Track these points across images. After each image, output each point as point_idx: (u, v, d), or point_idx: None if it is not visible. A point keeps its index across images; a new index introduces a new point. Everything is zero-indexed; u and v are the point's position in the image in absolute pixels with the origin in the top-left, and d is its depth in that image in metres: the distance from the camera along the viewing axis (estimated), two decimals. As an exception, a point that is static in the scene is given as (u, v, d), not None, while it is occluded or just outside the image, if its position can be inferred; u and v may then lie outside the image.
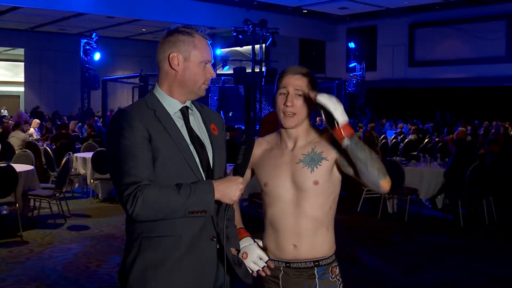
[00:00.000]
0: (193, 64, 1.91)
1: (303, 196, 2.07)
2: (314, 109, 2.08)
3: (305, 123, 2.13)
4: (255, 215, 6.56)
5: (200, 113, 2.02)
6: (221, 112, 19.45)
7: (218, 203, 1.88)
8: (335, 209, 2.14)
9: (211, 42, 1.98)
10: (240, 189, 1.88)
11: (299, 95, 2.07)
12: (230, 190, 1.85)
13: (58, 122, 15.95)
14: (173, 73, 1.92)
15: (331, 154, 2.07)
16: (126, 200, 1.75)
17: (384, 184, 1.95)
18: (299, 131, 2.12)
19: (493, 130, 14.78)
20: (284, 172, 2.10)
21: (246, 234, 2.14)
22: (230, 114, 21.66)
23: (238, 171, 1.93)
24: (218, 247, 1.91)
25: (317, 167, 2.05)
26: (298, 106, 2.07)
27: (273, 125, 2.35)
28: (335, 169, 2.09)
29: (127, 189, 1.76)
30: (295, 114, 2.07)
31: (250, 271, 2.07)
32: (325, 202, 2.08)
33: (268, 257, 2.11)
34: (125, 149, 1.79)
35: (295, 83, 2.07)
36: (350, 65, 20.97)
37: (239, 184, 1.87)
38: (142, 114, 1.85)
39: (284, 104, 2.07)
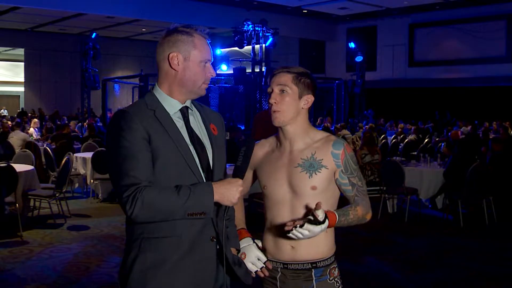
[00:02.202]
0: (193, 64, 1.90)
1: (300, 199, 2.06)
2: (310, 107, 2.10)
3: (299, 122, 2.10)
4: (255, 214, 6.55)
5: (200, 113, 2.01)
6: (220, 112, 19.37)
7: (218, 204, 1.87)
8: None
9: (210, 41, 1.97)
10: (240, 191, 1.87)
11: (283, 91, 2.07)
12: (229, 192, 1.85)
13: (58, 122, 15.93)
14: (173, 73, 1.91)
15: (332, 164, 2.07)
16: (125, 202, 1.75)
17: (368, 219, 2.16)
18: (295, 130, 2.10)
19: (492, 130, 14.76)
20: (282, 175, 2.09)
21: (246, 234, 2.14)
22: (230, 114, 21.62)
23: (238, 173, 1.92)
24: (218, 247, 1.91)
25: (316, 174, 2.05)
26: (283, 102, 2.06)
27: (267, 123, 2.34)
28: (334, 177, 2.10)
29: (126, 190, 1.75)
30: (281, 111, 2.06)
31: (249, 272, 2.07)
32: (324, 205, 2.06)
33: (267, 257, 2.11)
34: (124, 150, 1.78)
35: (278, 80, 2.08)
36: (350, 65, 20.93)
37: (239, 186, 1.86)
38: (142, 115, 1.84)
39: (269, 102, 2.09)
